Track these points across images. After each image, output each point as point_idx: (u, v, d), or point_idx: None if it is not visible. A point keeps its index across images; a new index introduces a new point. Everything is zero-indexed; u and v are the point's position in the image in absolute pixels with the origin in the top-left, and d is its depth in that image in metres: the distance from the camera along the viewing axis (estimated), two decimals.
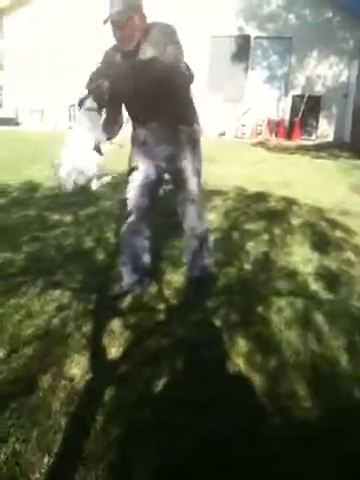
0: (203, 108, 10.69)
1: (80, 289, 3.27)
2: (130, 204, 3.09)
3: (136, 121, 2.94)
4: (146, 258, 3.15)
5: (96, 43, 11.45)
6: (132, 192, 3.05)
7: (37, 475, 1.81)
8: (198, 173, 3.07)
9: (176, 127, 2.87)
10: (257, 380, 2.42)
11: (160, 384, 2.35)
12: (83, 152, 2.84)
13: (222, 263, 3.84)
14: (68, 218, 4.79)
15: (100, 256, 3.89)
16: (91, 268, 3.66)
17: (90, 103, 2.71)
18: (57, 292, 3.21)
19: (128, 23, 2.58)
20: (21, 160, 7.94)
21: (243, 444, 1.99)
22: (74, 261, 3.75)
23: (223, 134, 11.88)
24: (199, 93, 10.90)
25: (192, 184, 3.02)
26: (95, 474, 1.82)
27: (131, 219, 3.10)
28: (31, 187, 6.13)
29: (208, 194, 5.92)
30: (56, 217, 4.86)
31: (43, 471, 1.83)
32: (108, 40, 2.83)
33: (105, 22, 2.56)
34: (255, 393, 2.34)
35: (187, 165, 2.95)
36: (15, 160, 7.94)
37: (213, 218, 5.03)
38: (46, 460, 1.87)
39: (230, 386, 2.39)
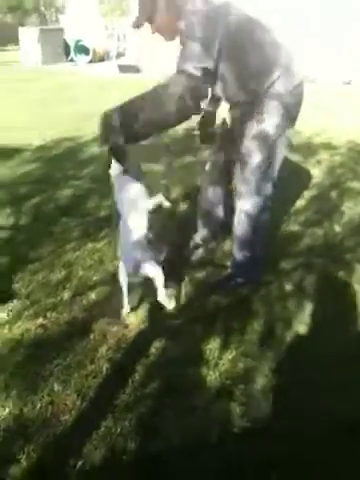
0: (323, 52, 9.90)
1: (155, 238, 3.24)
2: (210, 155, 2.97)
3: None
4: (220, 212, 3.01)
5: None
6: (214, 144, 2.93)
7: (66, 416, 1.86)
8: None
9: None
10: (320, 353, 2.25)
11: (210, 343, 2.28)
12: None
13: (310, 222, 3.60)
14: (160, 167, 4.76)
15: (184, 206, 3.83)
16: (172, 218, 3.61)
17: None
18: None
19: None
20: None
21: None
22: (157, 211, 3.73)
23: (349, 83, 10.82)
24: (316, 35, 10.05)
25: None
26: (121, 424, 1.82)
27: (209, 170, 2.97)
28: None
29: (315, 148, 5.58)
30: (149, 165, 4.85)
31: (73, 413, 1.87)
32: None
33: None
34: (316, 365, 2.18)
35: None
36: None
37: (315, 173, 4.71)
38: (79, 403, 1.91)
39: (286, 355, 2.25)
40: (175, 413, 1.88)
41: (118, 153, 2.39)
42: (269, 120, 2.39)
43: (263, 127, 2.41)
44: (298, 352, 2.27)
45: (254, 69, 2.35)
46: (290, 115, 2.45)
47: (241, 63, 2.35)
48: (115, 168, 2.45)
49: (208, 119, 2.89)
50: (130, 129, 2.31)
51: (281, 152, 2.51)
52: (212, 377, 2.07)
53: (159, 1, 2.32)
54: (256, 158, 2.46)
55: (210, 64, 2.27)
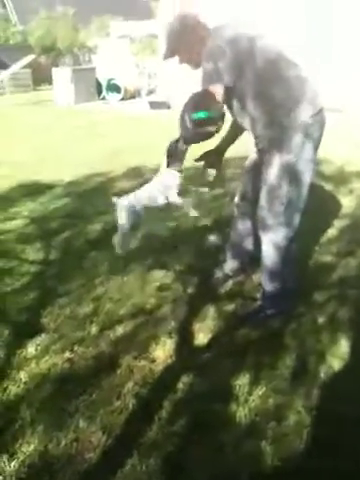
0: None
1: (184, 271, 3.23)
2: (239, 187, 2.97)
3: None
4: (249, 244, 2.97)
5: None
6: (242, 176, 2.93)
7: (91, 454, 1.82)
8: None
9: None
10: (355, 388, 2.17)
11: (239, 378, 2.21)
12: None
13: (343, 252, 3.51)
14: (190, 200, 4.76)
15: (214, 237, 3.80)
16: (202, 250, 3.59)
17: None
18: (161, 272, 3.21)
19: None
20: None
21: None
22: (187, 242, 3.72)
23: None
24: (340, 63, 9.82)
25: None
26: (146, 462, 1.77)
27: (237, 202, 2.96)
28: None
29: (347, 177, 5.50)
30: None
31: (98, 451, 1.83)
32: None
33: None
34: (350, 401, 2.08)
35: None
36: (158, 142, 8.14)
37: (347, 203, 4.62)
38: (104, 440, 1.87)
39: (319, 390, 2.15)
40: (203, 451, 1.82)
41: (170, 151, 2.87)
42: (295, 150, 2.38)
43: (290, 158, 2.39)
44: (332, 387, 2.18)
45: (281, 103, 2.37)
46: (315, 144, 2.44)
47: (268, 99, 2.39)
48: (163, 161, 2.95)
49: (219, 147, 2.93)
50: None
51: (308, 181, 2.49)
52: (242, 413, 2.00)
53: (183, 35, 2.47)
54: (285, 189, 2.44)
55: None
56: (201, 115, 2.31)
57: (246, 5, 10.33)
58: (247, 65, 2.34)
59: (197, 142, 2.49)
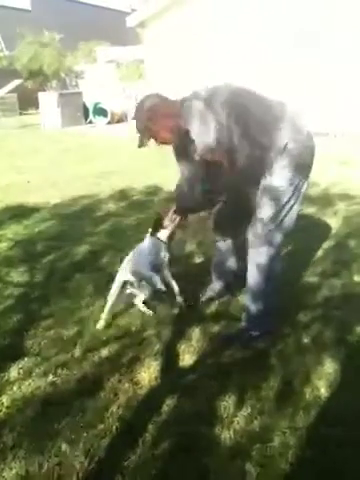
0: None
1: (169, 292, 3.21)
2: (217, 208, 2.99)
3: None
4: (233, 263, 2.99)
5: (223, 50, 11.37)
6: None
7: (74, 478, 1.78)
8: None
9: None
10: (340, 409, 2.16)
11: (224, 399, 2.19)
12: None
13: (328, 273, 3.53)
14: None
15: (199, 260, 3.81)
16: (188, 272, 3.59)
17: None
18: None
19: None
20: (153, 166, 8.15)
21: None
22: (172, 264, 3.71)
23: None
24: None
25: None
26: None
27: (216, 222, 2.98)
28: (152, 191, 6.23)
29: (332, 198, 5.56)
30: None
31: (81, 475, 1.79)
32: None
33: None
34: (336, 421, 2.07)
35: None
36: (144, 165, 8.19)
37: (332, 224, 4.66)
38: (86, 464, 1.84)
39: (304, 411, 2.14)
40: (187, 475, 1.79)
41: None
42: (279, 174, 2.41)
43: (272, 181, 2.42)
44: (317, 408, 2.16)
45: (262, 126, 2.41)
46: (301, 168, 2.45)
47: (251, 124, 2.41)
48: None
49: None
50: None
51: (294, 204, 2.49)
52: (226, 436, 1.98)
53: (153, 126, 2.53)
54: (267, 211, 2.46)
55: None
56: (205, 187, 2.59)
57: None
58: (231, 103, 2.41)
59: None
